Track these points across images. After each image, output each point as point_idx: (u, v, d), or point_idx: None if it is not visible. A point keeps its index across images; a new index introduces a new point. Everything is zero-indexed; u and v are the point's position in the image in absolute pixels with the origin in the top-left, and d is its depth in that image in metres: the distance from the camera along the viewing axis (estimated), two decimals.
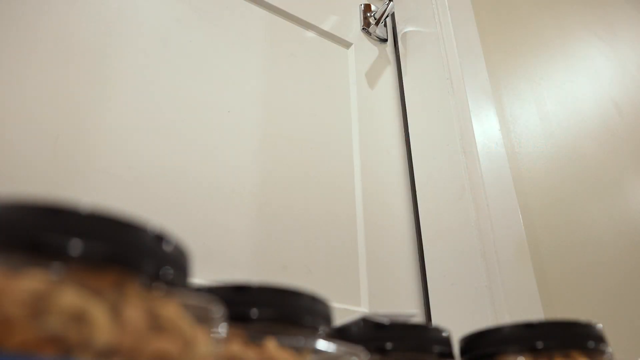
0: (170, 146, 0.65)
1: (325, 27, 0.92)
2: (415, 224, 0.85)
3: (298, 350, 0.24)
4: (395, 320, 0.34)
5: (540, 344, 0.33)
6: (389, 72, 1.00)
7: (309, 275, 0.68)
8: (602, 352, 0.33)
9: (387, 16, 0.98)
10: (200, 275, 0.45)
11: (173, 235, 0.21)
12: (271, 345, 0.24)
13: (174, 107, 0.68)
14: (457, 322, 0.70)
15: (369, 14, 1.00)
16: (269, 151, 0.74)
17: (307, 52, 0.88)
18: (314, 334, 0.27)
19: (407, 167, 0.90)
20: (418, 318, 0.76)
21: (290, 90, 0.82)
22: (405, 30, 1.02)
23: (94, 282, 0.17)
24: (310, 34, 0.90)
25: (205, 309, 0.21)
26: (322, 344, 0.26)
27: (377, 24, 0.98)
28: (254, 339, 0.24)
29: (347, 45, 0.95)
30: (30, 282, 0.16)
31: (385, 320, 0.33)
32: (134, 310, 0.17)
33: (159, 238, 0.20)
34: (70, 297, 0.16)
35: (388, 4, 0.95)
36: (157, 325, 0.18)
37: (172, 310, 0.19)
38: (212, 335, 0.20)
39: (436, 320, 0.74)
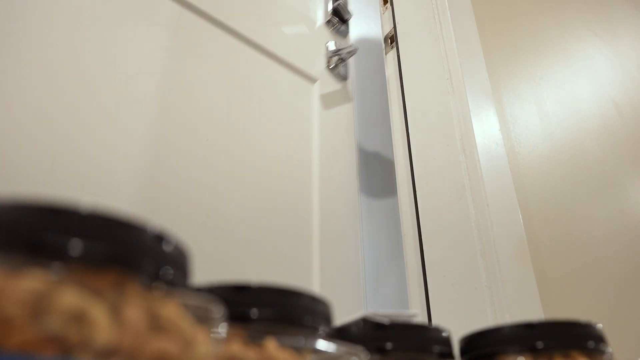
0: None
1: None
2: (416, 224, 0.85)
3: (298, 350, 0.24)
4: (396, 320, 0.34)
5: (540, 344, 0.33)
6: (348, 108, 1.01)
7: None
8: (602, 352, 0.33)
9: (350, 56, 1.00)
10: None
11: (173, 235, 0.21)
12: (271, 345, 0.24)
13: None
14: (457, 322, 0.70)
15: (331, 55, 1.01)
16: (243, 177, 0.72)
17: (275, 86, 0.87)
18: (314, 334, 0.27)
19: (408, 167, 0.90)
20: (418, 318, 0.76)
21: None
22: (405, 29, 1.02)
23: (94, 282, 0.17)
24: (281, 68, 0.89)
25: (205, 309, 0.21)
26: (322, 344, 0.26)
27: (337, 64, 1.00)
28: (254, 339, 0.24)
29: (312, 80, 0.95)
30: (30, 282, 0.16)
31: (385, 320, 0.33)
32: (134, 310, 0.17)
33: (159, 238, 0.20)
34: (70, 297, 0.16)
35: (352, 49, 0.97)
36: (157, 325, 0.18)
37: (172, 310, 0.19)
38: (212, 335, 0.20)
39: (436, 320, 0.74)
